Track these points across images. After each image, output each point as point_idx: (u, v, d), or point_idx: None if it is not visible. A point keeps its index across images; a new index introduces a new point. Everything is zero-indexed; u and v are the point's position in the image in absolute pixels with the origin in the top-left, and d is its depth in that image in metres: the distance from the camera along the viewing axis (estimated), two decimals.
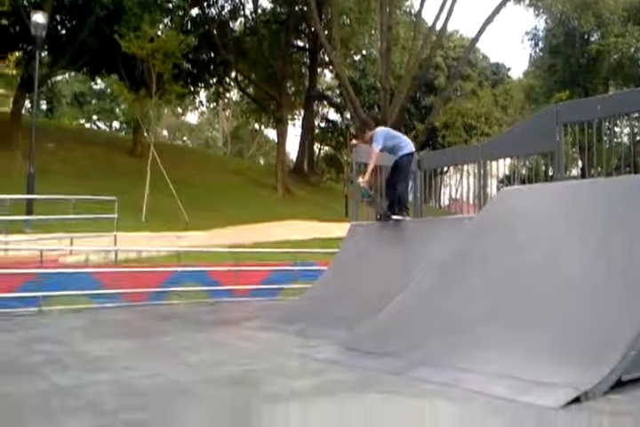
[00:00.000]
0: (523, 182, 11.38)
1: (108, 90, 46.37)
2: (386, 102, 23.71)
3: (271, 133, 52.76)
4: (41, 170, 17.71)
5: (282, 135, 32.82)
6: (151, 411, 3.49)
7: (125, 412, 3.46)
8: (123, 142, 32.14)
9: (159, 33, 20.76)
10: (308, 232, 17.21)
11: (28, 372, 4.51)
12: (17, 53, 29.36)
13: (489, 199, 8.02)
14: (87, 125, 50.24)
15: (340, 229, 13.10)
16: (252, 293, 10.74)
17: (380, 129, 7.67)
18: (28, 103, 29.39)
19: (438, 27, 25.03)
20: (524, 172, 14.70)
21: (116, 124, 52.75)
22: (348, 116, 39.12)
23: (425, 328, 4.95)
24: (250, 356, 5.34)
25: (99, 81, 41.36)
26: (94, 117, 52.01)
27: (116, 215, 12.42)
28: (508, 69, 46.35)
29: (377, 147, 7.38)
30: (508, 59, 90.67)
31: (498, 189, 7.74)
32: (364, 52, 38.93)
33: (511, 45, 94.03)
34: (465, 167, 10.43)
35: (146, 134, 26.28)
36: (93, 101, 50.32)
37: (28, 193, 14.17)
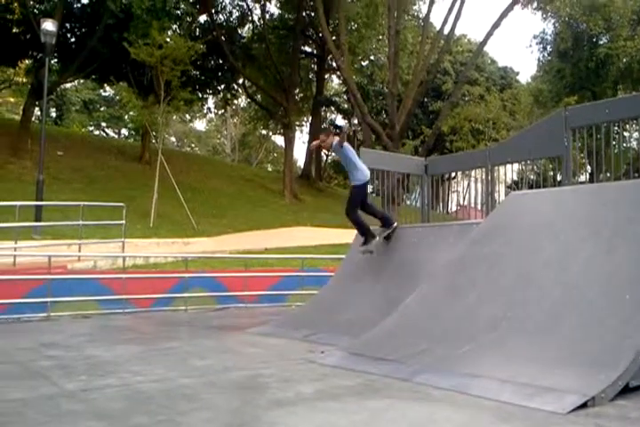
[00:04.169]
0: (530, 188, 11.35)
1: (117, 97, 46.67)
2: (393, 107, 23.71)
3: (279, 140, 52.94)
4: (50, 177, 17.89)
5: (289, 141, 32.89)
6: (158, 415, 3.51)
7: (133, 416, 3.48)
8: (131, 149, 32.31)
9: (168, 40, 20.86)
10: (315, 238, 17.21)
11: (38, 377, 4.53)
12: (27, 61, 29.64)
13: (497, 205, 8.01)
14: (96, 132, 50.53)
15: (347, 236, 13.10)
16: (260, 299, 10.75)
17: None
18: (37, 111, 29.59)
19: (446, 31, 25.05)
20: (532, 177, 14.65)
21: (124, 132, 53.04)
22: (356, 121, 39.18)
23: (431, 334, 4.94)
24: (256, 361, 5.34)
25: (107, 88, 41.66)
26: (103, 124, 52.31)
27: (124, 222, 12.46)
28: (517, 73, 46.31)
29: (344, 145, 7.30)
30: (516, 63, 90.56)
31: (506, 194, 7.71)
32: (371, 57, 39.00)
33: (519, 49, 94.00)
34: (472, 173, 10.40)
35: (154, 141, 26.43)
36: (102, 108, 50.65)
37: (37, 200, 14.26)
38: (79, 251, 11.83)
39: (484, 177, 9.05)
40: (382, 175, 9.08)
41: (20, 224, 11.76)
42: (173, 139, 55.28)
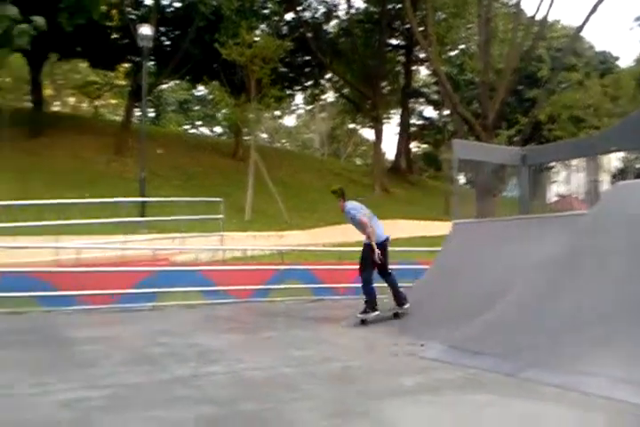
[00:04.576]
0: (637, 177, 10.72)
1: (210, 96, 48.24)
2: (485, 97, 23.03)
3: (367, 133, 52.82)
4: (151, 174, 18.79)
5: (378, 134, 32.76)
6: (262, 402, 3.63)
7: (239, 402, 3.63)
8: (225, 146, 33.34)
9: (256, 39, 21.34)
10: (407, 230, 17.07)
11: (151, 363, 4.81)
12: (125, 65, 31.25)
13: (601, 195, 7.62)
14: (191, 131, 52.51)
15: (441, 228, 12.92)
16: (354, 291, 10.81)
17: (350, 203, 7.30)
18: (137, 111, 31.14)
19: (539, 17, 24.03)
20: (638, 166, 13.81)
21: (218, 129, 54.75)
22: (447, 112, 38.39)
23: (535, 328, 4.80)
24: (355, 353, 5.40)
25: (201, 88, 43.12)
26: (198, 123, 54.26)
27: (222, 216, 12.92)
28: (617, 58, 43.66)
29: (360, 216, 7.08)
30: (615, 47, 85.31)
31: (611, 184, 7.31)
32: (460, 46, 38.07)
33: (619, 32, 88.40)
34: (574, 162, 9.95)
35: (246, 138, 27.13)
36: (196, 108, 52.51)
37: (140, 196, 15.04)
38: (181, 244, 12.37)
39: (586, 166, 8.65)
40: (476, 166, 8.87)
41: (128, 219, 12.46)
42: (265, 135, 56.42)
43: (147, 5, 27.11)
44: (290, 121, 60.44)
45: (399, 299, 7.18)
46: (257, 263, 11.41)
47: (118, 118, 41.11)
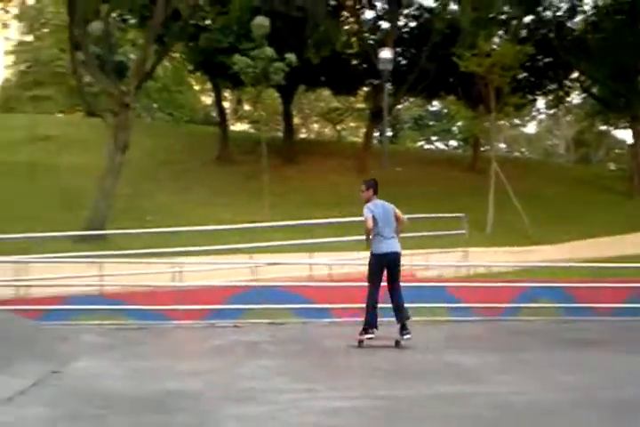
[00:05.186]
0: None
1: (445, 110, 48.26)
2: None
3: (621, 134, 47.90)
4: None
5: (636, 135, 29.46)
6: None
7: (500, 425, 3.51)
8: (461, 159, 32.98)
9: (494, 47, 20.86)
10: None
11: (412, 377, 4.93)
12: (365, 89, 32.85)
13: None
14: (426, 146, 53.06)
15: None
16: (614, 311, 9.80)
17: (373, 205, 6.34)
18: (375, 132, 32.42)
19: None
20: None
21: (452, 143, 54.49)
22: None
23: None
24: (632, 381, 4.87)
25: (435, 103, 43.43)
26: (433, 138, 54.66)
27: (465, 231, 12.77)
28: None
29: (367, 214, 6.22)
30: None
31: None
32: None
33: None
34: None
35: (483, 149, 26.54)
36: (431, 123, 52.98)
37: None
38: (424, 260, 12.50)
39: None
40: None
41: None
42: (503, 144, 54.59)
43: (384, 29, 28.27)
44: (530, 128, 57.54)
45: (402, 326, 6.28)
46: (504, 280, 11.00)
47: (357, 139, 43.39)
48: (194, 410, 3.86)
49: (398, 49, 27.94)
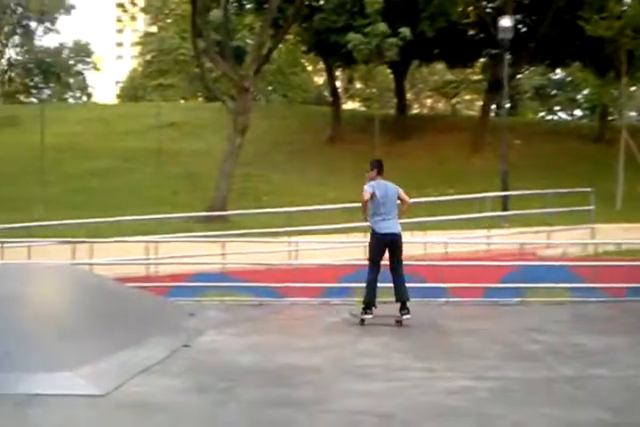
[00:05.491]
0: None
1: (568, 78, 45.33)
2: None
3: None
4: (511, 166, 18.59)
5: None
6: None
7: (637, 411, 3.33)
8: (587, 130, 30.96)
9: (625, 8, 19.27)
10: None
11: (532, 359, 4.78)
12: (481, 60, 31.55)
13: None
14: (548, 117, 50.25)
15: None
16: None
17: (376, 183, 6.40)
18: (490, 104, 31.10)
19: None
20: None
21: (577, 113, 51.17)
22: None
23: None
24: None
25: (557, 71, 40.89)
26: (555, 108, 51.63)
27: (592, 207, 12.04)
28: None
29: (366, 192, 6.31)
30: None
31: None
32: None
33: None
34: None
35: (611, 118, 24.68)
36: (553, 92, 50.00)
37: (502, 190, 15.04)
38: (547, 238, 11.94)
39: None
40: None
41: (491, 214, 12.61)
42: (634, 113, 50.54)
43: None
44: None
45: (402, 305, 6.26)
46: (634, 259, 10.26)
47: (472, 113, 41.90)
48: (316, 385, 3.98)
49: (518, 16, 26.52)
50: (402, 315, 6.23)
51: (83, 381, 3.59)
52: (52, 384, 3.52)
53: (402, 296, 6.31)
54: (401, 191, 6.51)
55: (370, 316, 6.28)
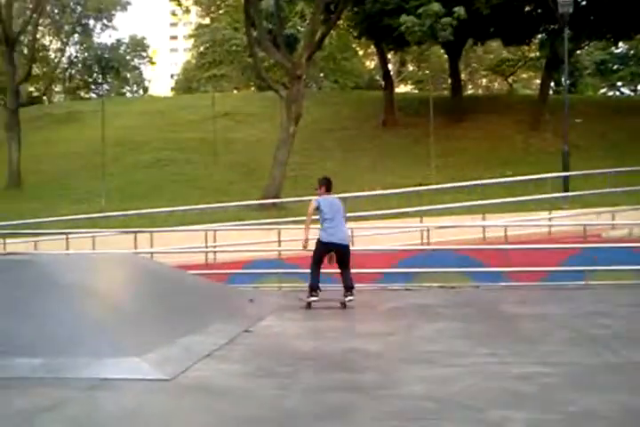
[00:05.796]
0: None
1: (631, 52, 43.29)
2: None
3: None
4: (572, 146, 17.94)
5: None
6: None
7: None
8: None
9: None
10: None
11: (598, 344, 4.64)
12: (539, 36, 30.39)
13: None
14: (609, 93, 48.16)
15: None
16: None
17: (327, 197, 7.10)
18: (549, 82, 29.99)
19: None
20: None
21: None
22: None
23: None
24: None
25: (620, 44, 39.01)
26: (618, 84, 49.39)
27: None
28: None
29: (310, 208, 7.04)
30: None
31: None
32: None
33: None
34: None
35: None
36: (615, 67, 47.80)
37: (563, 170, 14.56)
38: (612, 219, 11.50)
39: None
40: None
41: (551, 195, 12.24)
42: None
43: None
44: None
45: (346, 288, 6.89)
46: None
47: (529, 92, 40.56)
48: (377, 370, 3.97)
49: None
50: (346, 297, 6.84)
51: (148, 366, 3.71)
52: (120, 369, 3.65)
53: (347, 283, 6.94)
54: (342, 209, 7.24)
55: (315, 298, 6.85)
